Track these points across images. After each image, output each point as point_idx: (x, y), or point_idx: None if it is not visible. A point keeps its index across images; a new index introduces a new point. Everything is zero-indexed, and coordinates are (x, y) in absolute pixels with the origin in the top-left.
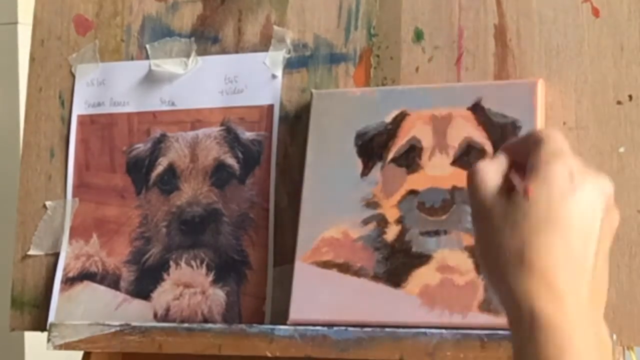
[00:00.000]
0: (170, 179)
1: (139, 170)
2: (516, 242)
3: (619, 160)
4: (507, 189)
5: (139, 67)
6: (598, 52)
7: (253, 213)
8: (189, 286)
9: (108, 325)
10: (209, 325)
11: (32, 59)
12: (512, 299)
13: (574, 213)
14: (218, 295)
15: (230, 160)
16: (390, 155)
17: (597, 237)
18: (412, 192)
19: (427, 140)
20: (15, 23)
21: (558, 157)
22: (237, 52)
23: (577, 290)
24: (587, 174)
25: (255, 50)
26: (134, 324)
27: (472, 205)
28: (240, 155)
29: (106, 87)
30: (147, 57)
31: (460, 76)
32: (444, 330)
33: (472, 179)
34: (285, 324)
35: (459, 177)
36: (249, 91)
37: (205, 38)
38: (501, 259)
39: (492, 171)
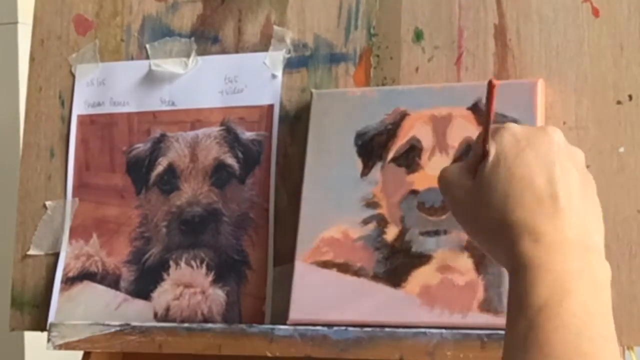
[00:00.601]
0: (170, 179)
1: (138, 170)
2: (492, 211)
3: (619, 160)
4: (479, 161)
5: (139, 67)
6: (598, 52)
7: (253, 213)
8: (189, 286)
9: (108, 325)
10: (209, 325)
11: (32, 59)
12: (503, 256)
13: (531, 164)
14: (218, 295)
15: (230, 160)
16: (390, 155)
17: (561, 174)
18: (412, 192)
19: (427, 140)
20: (15, 23)
21: (501, 129)
22: (237, 52)
23: (555, 225)
24: (530, 132)
25: (255, 50)
26: (134, 323)
27: (449, 200)
28: (240, 155)
29: (106, 87)
30: (147, 57)
31: (460, 76)
32: (444, 330)
33: (440, 179)
34: (285, 324)
35: None
36: (249, 91)
37: (205, 38)
38: (486, 230)
39: (455, 166)
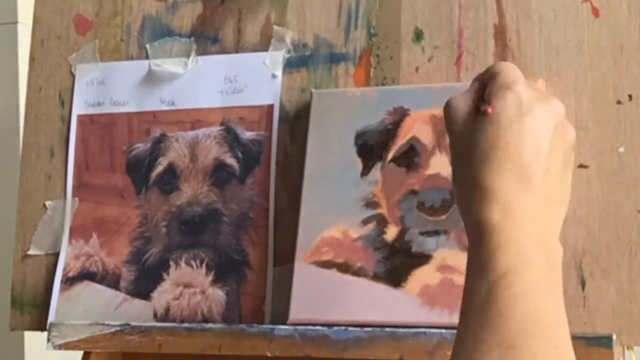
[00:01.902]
0: (170, 179)
1: (138, 170)
2: (471, 168)
3: (619, 160)
4: (475, 113)
5: (138, 67)
6: (598, 52)
7: (253, 213)
8: (189, 286)
9: (108, 325)
10: (209, 325)
11: (32, 59)
12: (469, 217)
13: (523, 135)
14: (218, 295)
15: (230, 160)
16: (390, 155)
17: (547, 154)
18: (412, 192)
19: (427, 140)
20: (15, 23)
21: (507, 88)
22: (237, 52)
23: (526, 202)
24: (535, 100)
25: (255, 50)
26: (133, 323)
27: (448, 135)
28: (240, 155)
29: (106, 87)
30: (147, 57)
31: (460, 76)
32: (443, 330)
33: (446, 111)
34: (285, 324)
35: None
36: (249, 91)
37: (205, 38)
38: (462, 183)
39: (462, 101)
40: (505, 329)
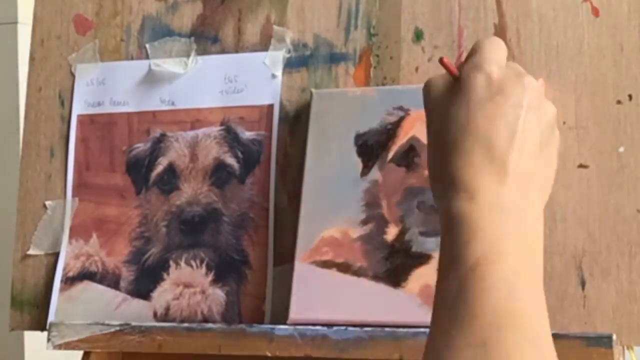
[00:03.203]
0: (170, 179)
1: (138, 170)
2: (441, 154)
3: (619, 160)
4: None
5: (138, 67)
6: (598, 52)
7: (253, 213)
8: (189, 286)
9: (108, 325)
10: (209, 325)
11: (32, 59)
12: (440, 206)
13: (494, 117)
14: (218, 295)
15: (230, 160)
16: (390, 155)
17: (521, 135)
18: (412, 192)
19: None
20: (15, 23)
21: (478, 68)
22: (237, 51)
23: (497, 188)
24: (507, 78)
25: (255, 50)
26: (133, 323)
27: (426, 115)
28: (240, 155)
29: (106, 86)
30: (147, 57)
31: None
32: None
33: (425, 89)
34: (285, 323)
35: None
36: (249, 91)
37: (205, 38)
38: (435, 170)
39: (442, 79)
40: (477, 326)
